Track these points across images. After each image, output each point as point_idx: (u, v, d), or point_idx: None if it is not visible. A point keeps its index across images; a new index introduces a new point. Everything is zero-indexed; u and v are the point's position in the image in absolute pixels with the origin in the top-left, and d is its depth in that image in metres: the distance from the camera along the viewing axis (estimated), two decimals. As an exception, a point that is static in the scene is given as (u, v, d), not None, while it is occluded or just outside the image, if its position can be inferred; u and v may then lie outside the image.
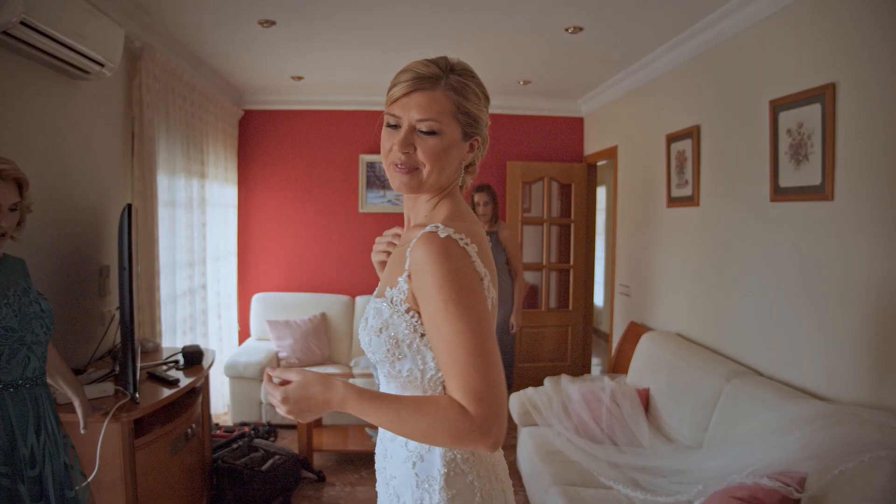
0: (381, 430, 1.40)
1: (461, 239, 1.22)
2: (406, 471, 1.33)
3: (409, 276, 1.24)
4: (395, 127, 1.29)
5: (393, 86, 1.29)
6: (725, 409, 3.08)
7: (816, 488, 2.26)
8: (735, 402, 3.03)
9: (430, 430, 1.16)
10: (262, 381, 4.95)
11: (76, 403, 2.28)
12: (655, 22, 3.77)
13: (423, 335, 1.25)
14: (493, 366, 1.16)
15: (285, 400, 1.21)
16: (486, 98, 1.36)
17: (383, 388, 1.39)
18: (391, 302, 1.28)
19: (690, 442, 3.27)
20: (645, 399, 3.73)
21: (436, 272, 1.18)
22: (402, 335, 1.25)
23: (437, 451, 1.30)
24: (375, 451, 1.46)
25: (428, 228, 1.22)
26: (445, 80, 1.28)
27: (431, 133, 1.27)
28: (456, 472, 1.30)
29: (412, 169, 1.29)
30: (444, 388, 1.25)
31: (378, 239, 1.53)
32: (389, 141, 1.29)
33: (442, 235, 1.20)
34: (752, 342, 3.36)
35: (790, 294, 3.06)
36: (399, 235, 1.48)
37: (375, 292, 1.38)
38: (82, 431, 2.27)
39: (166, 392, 2.84)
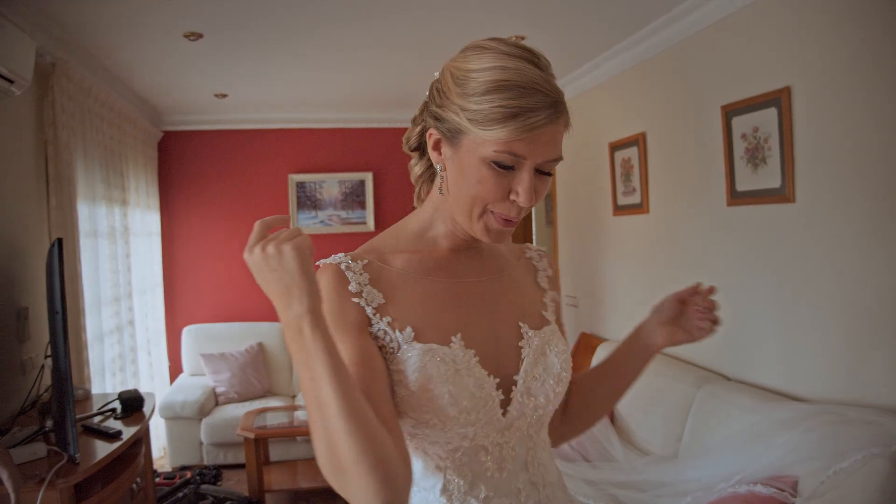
0: None
1: None
2: None
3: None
4: (509, 168, 0.95)
5: (523, 112, 0.91)
6: (699, 416, 3.03)
7: (811, 491, 2.22)
8: (709, 408, 2.98)
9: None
10: (200, 420, 4.62)
11: (3, 474, 1.96)
12: (596, 30, 3.74)
13: None
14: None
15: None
16: None
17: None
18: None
19: (663, 452, 3.20)
20: (609, 412, 3.65)
21: None
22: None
23: None
24: None
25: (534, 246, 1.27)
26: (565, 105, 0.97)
27: (549, 173, 1.00)
28: None
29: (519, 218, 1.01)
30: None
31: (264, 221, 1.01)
32: (501, 186, 0.96)
33: None
34: (716, 347, 3.33)
35: (753, 297, 3.05)
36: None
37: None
38: (14, 505, 1.96)
39: (107, 447, 2.52)
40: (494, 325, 1.08)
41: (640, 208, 4.01)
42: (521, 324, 1.10)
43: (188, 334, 5.41)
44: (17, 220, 3.10)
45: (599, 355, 4.09)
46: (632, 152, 4.05)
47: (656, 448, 3.27)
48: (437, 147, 1.03)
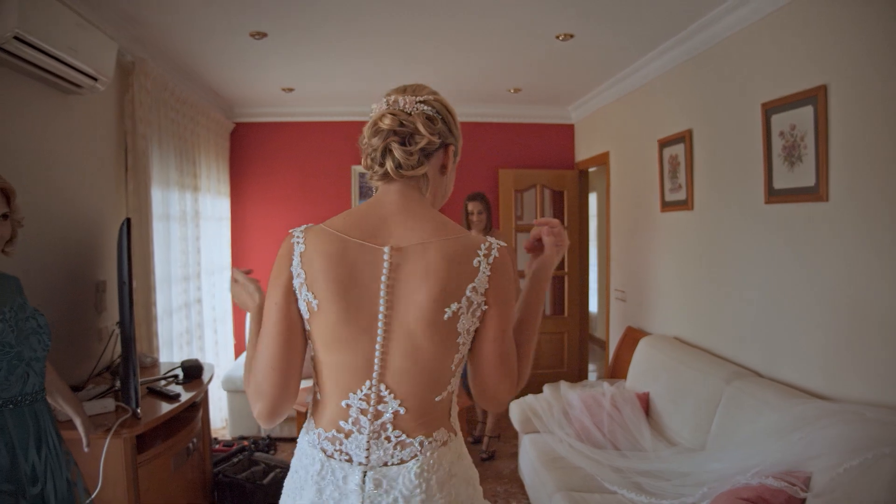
0: None
1: None
2: None
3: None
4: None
5: None
6: (727, 411, 3.08)
7: (821, 487, 2.26)
8: (737, 403, 3.03)
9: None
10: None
11: (77, 421, 2.25)
12: (645, 28, 3.80)
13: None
14: None
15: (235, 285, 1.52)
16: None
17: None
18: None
19: (692, 444, 3.27)
20: (645, 403, 3.73)
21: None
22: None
23: None
24: None
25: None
26: None
27: None
28: None
29: None
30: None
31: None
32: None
33: None
34: (751, 344, 3.37)
35: (787, 295, 3.07)
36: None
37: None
38: (85, 449, 2.24)
39: (167, 407, 2.82)
40: None
41: (685, 205, 4.06)
42: None
43: (253, 314, 5.74)
44: (99, 203, 3.44)
45: (642, 349, 4.16)
46: (679, 149, 4.10)
47: (685, 440, 3.34)
48: (448, 157, 1.47)
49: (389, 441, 1.32)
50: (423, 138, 1.36)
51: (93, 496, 2.25)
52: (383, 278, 1.29)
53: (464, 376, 1.48)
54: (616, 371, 4.75)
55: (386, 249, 1.31)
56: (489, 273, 1.31)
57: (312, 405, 1.41)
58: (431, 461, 1.32)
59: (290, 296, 1.34)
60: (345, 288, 1.30)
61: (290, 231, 1.39)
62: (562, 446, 3.52)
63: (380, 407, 1.31)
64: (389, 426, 1.32)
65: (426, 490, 1.30)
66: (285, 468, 3.82)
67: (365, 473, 1.31)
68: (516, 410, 4.00)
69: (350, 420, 1.33)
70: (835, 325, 2.77)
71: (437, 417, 1.36)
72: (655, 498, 2.86)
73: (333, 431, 1.34)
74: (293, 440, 4.77)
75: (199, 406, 3.25)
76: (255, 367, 1.37)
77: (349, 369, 1.32)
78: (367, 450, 1.31)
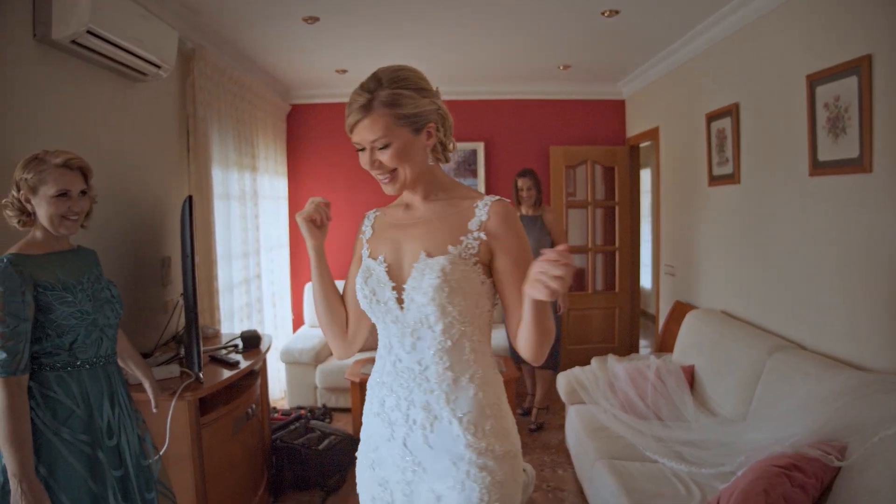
0: None
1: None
2: None
3: (485, 233, 1.54)
4: (363, 150, 1.53)
5: (345, 119, 1.52)
6: (769, 382, 3.11)
7: (857, 456, 2.29)
8: (778, 375, 3.05)
9: None
10: (315, 366, 5.14)
11: (146, 384, 2.46)
12: (690, 2, 3.78)
13: (483, 282, 1.55)
14: None
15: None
16: (424, 89, 1.54)
17: (436, 338, 1.55)
18: (459, 257, 1.52)
19: (735, 416, 3.30)
20: (690, 376, 3.77)
21: (517, 228, 1.57)
22: (470, 284, 1.51)
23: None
24: None
25: (495, 198, 1.58)
26: (377, 100, 1.47)
27: (385, 147, 1.51)
28: None
29: (392, 175, 1.56)
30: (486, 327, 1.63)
31: (312, 199, 1.67)
32: (363, 161, 1.55)
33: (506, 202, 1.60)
34: (794, 316, 3.37)
35: (831, 267, 3.06)
36: (328, 204, 1.67)
37: (425, 252, 1.56)
38: (154, 410, 2.45)
39: (227, 373, 3.02)
40: (407, 252, 1.59)
41: (731, 178, 4.04)
42: (421, 251, 1.55)
43: (310, 290, 5.97)
44: (164, 182, 3.66)
45: (688, 322, 4.18)
46: (726, 123, 4.07)
47: (728, 411, 3.37)
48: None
49: None
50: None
51: (161, 452, 2.46)
52: None
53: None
54: (664, 345, 4.78)
55: None
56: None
57: None
58: None
59: None
60: None
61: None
62: (606, 416, 3.60)
63: None
64: None
65: None
66: (340, 435, 4.02)
67: None
68: (563, 382, 4.09)
69: None
70: (877, 297, 2.76)
71: None
72: (695, 467, 2.92)
73: None
74: (348, 410, 4.97)
75: (257, 374, 3.46)
76: None
77: None
78: None
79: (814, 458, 2.37)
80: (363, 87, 1.50)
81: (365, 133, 1.49)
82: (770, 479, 2.27)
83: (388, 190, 1.60)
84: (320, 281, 1.70)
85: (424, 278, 1.50)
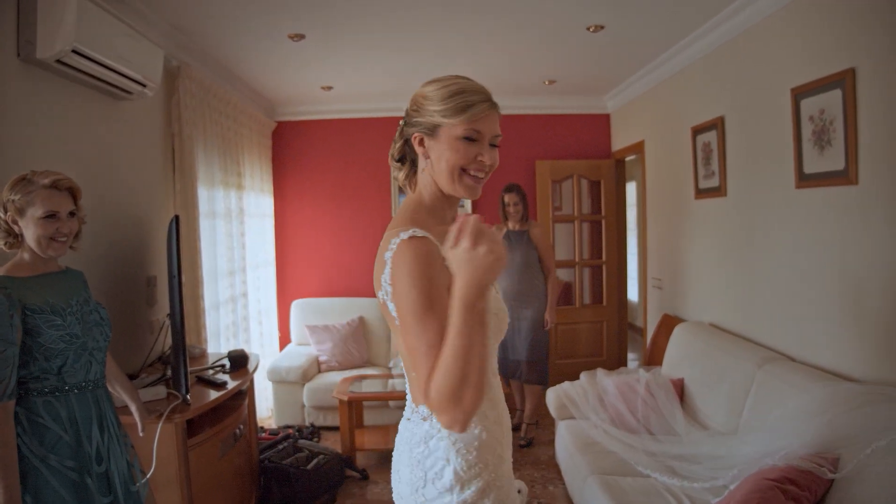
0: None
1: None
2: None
3: None
4: (472, 140, 1.42)
5: (470, 105, 1.39)
6: (759, 394, 3.11)
7: (850, 468, 2.29)
8: (768, 387, 3.06)
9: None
10: (303, 385, 5.09)
11: (133, 407, 2.42)
12: (674, 17, 3.82)
13: None
14: None
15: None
16: None
17: None
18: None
19: (725, 428, 3.30)
20: (679, 389, 3.77)
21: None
22: None
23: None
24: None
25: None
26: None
27: (496, 146, 1.48)
28: None
29: (486, 176, 1.48)
30: None
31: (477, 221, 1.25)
32: (472, 152, 1.42)
33: None
34: (783, 328, 3.39)
35: (818, 278, 3.08)
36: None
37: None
38: (141, 433, 2.41)
39: (215, 394, 2.98)
40: None
41: (718, 191, 4.07)
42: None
43: (296, 307, 5.94)
44: (148, 202, 3.63)
45: (676, 335, 4.19)
46: (711, 136, 4.10)
47: (719, 424, 3.37)
48: (421, 143, 1.47)
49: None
50: (392, 158, 1.59)
51: (148, 476, 2.41)
52: None
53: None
54: (653, 358, 4.79)
55: None
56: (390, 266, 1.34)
57: None
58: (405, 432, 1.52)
59: None
60: None
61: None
62: (596, 431, 3.59)
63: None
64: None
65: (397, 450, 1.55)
66: (328, 455, 3.97)
67: None
68: (552, 397, 4.08)
69: None
70: (864, 308, 2.78)
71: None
72: (687, 481, 2.91)
73: None
74: (336, 429, 4.93)
75: (245, 394, 3.42)
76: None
77: None
78: None
79: (807, 470, 2.37)
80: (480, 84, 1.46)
81: (494, 125, 1.45)
82: (764, 492, 2.27)
83: (475, 194, 1.48)
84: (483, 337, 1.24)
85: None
